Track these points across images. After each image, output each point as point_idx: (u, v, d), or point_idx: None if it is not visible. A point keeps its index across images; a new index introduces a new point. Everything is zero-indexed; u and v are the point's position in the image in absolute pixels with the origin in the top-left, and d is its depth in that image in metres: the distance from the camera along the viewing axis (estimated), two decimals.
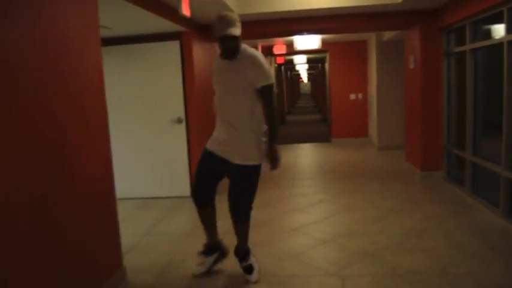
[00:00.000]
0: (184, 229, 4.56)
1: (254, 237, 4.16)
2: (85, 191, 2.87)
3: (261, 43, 9.70)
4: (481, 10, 4.58)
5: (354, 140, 10.33)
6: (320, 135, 12.33)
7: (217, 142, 3.24)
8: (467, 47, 5.09)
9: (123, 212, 4.27)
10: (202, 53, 6.13)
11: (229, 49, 2.99)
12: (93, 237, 2.98)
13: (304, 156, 9.02)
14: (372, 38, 9.26)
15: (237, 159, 3.14)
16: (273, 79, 3.14)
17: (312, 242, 4.01)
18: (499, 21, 4.39)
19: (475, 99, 5.15)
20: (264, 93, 3.08)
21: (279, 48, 10.15)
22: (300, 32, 7.21)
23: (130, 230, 4.53)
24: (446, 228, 4.15)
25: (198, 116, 5.77)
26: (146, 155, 5.80)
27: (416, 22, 6.10)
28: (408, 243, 3.82)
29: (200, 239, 4.17)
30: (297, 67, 19.20)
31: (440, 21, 5.81)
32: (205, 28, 6.17)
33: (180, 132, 5.72)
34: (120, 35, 5.41)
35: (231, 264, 3.47)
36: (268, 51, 10.41)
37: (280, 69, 17.12)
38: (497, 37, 4.60)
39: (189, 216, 5.11)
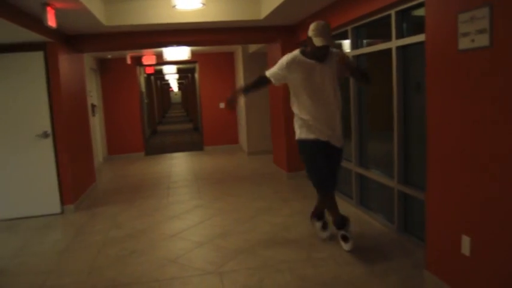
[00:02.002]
0: (57, 247, 4.41)
1: (134, 245, 4.25)
2: None
3: (130, 54, 9.62)
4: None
5: (226, 147, 10.76)
6: (193, 143, 12.55)
7: (326, 131, 3.61)
8: None
9: None
10: (70, 64, 5.97)
11: (325, 54, 3.51)
12: None
13: (178, 165, 9.15)
14: (238, 50, 9.77)
15: (339, 144, 3.69)
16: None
17: (190, 245, 4.20)
18: (346, 38, 5.09)
19: None
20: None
21: (148, 58, 10.16)
22: (168, 44, 7.37)
23: None
24: (309, 221, 4.66)
25: (67, 129, 5.59)
26: (9, 172, 5.42)
27: (278, 37, 6.68)
28: (277, 237, 4.24)
29: (77, 254, 4.13)
30: (167, 77, 19.22)
31: (297, 36, 6.46)
32: (73, 38, 6.02)
33: (46, 147, 5.45)
34: None
35: None
36: (137, 62, 10.35)
37: (150, 79, 16.99)
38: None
39: (61, 233, 4.95)
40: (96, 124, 9.28)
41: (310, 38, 3.45)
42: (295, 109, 3.73)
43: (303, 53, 3.61)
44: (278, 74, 3.64)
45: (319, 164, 3.65)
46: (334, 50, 3.64)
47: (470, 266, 2.62)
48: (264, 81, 3.72)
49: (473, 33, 2.42)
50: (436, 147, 2.92)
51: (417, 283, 3.14)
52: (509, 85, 2.22)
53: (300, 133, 3.71)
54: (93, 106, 8.62)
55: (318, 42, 3.35)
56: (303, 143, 3.70)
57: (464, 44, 2.51)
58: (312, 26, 3.45)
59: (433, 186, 2.98)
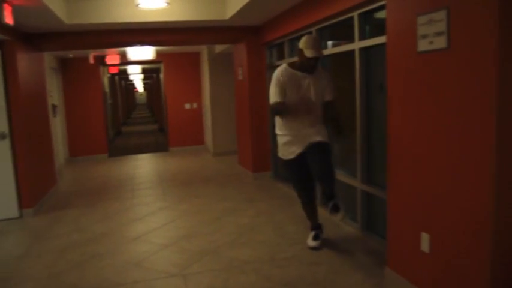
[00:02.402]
0: (15, 252, 4.24)
1: (96, 249, 4.15)
2: None
3: (93, 53, 9.40)
4: (294, 30, 5.29)
5: (191, 148, 10.67)
6: (158, 144, 12.38)
7: (302, 139, 3.68)
8: (286, 60, 5.79)
9: None
10: (29, 63, 5.77)
11: (314, 66, 3.62)
12: None
13: (142, 167, 9.01)
14: (204, 50, 9.71)
15: (319, 138, 3.64)
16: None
17: (154, 248, 4.13)
18: None
19: None
20: (332, 102, 3.75)
21: (112, 58, 9.96)
22: (132, 44, 7.25)
23: None
24: (275, 221, 4.69)
25: (25, 130, 5.40)
26: None
27: (243, 37, 6.68)
28: (242, 238, 4.22)
29: (36, 259, 4.00)
30: (132, 77, 18.91)
31: (263, 37, 6.47)
32: (33, 37, 5.84)
33: (3, 149, 5.24)
34: None
35: None
36: (100, 61, 10.13)
37: (114, 79, 16.66)
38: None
39: (20, 238, 4.78)
40: (58, 125, 9.01)
41: (301, 50, 3.57)
42: (277, 127, 3.87)
43: (291, 66, 3.72)
44: (279, 90, 3.64)
45: (298, 179, 3.92)
46: (322, 69, 3.83)
47: (429, 263, 2.68)
48: (275, 108, 3.68)
49: (431, 35, 2.48)
50: (396, 147, 2.98)
51: (379, 280, 3.20)
52: (465, 86, 2.29)
53: (281, 151, 3.89)
54: (54, 106, 8.37)
55: (309, 53, 3.50)
56: (282, 161, 3.96)
57: (423, 45, 2.57)
58: (303, 39, 3.59)
59: (394, 185, 3.04)
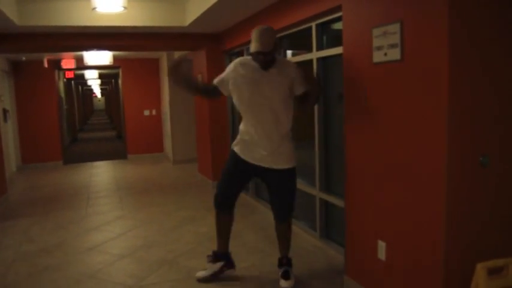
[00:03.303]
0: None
1: (48, 260, 3.99)
2: None
3: (47, 56, 9.10)
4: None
5: (150, 156, 10.49)
6: (115, 152, 12.09)
7: (249, 151, 3.20)
8: None
9: None
10: None
11: (263, 61, 3.04)
12: None
13: (99, 175, 8.77)
14: (163, 56, 9.60)
15: (282, 164, 3.17)
16: None
17: (110, 258, 4.01)
18: None
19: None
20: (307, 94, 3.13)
21: (68, 62, 9.68)
22: (88, 48, 7.08)
23: None
24: (234, 230, 4.61)
25: None
26: None
27: (203, 45, 6.65)
28: (202, 247, 4.16)
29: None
30: (89, 82, 18.46)
31: (223, 45, 6.46)
32: None
33: None
34: None
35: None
36: (55, 65, 9.81)
37: (71, 84, 16.21)
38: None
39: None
40: (9, 131, 8.65)
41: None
42: (241, 125, 3.34)
43: (253, 58, 3.15)
44: (224, 78, 3.25)
45: (224, 179, 3.40)
46: (292, 61, 3.37)
47: (386, 270, 2.74)
48: (211, 88, 3.34)
49: (386, 47, 2.54)
50: (352, 157, 3.03)
51: None
52: (418, 97, 2.36)
53: (235, 144, 3.34)
54: (5, 111, 8.04)
55: (251, 47, 3.01)
56: (231, 152, 3.36)
57: (378, 57, 2.63)
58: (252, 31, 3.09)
59: (351, 194, 3.09)
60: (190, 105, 8.62)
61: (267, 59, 3.04)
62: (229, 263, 3.49)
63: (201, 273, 3.46)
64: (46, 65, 9.34)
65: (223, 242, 3.49)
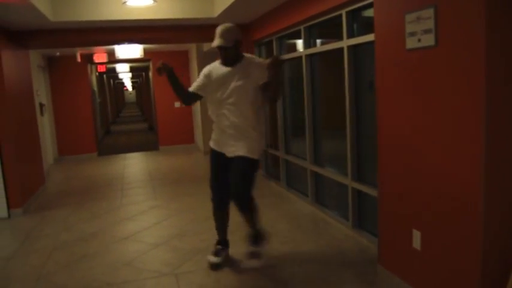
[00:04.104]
0: (4, 253, 4.18)
1: (85, 249, 4.12)
2: None
3: (80, 51, 9.31)
4: (283, 28, 5.28)
5: (182, 147, 10.62)
6: (148, 143, 12.32)
7: (222, 145, 3.43)
8: None
9: None
10: (14, 61, 5.70)
11: (225, 57, 3.25)
12: None
13: (132, 166, 8.96)
14: (193, 48, 9.66)
15: (242, 152, 3.30)
16: None
17: (145, 247, 4.11)
18: (299, 37, 5.13)
19: (284, 106, 5.90)
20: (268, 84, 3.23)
21: (100, 56, 9.88)
22: (119, 42, 7.20)
23: None
24: (267, 219, 4.65)
25: (12, 129, 5.34)
26: None
27: None
28: (235, 236, 4.18)
29: (25, 260, 3.96)
30: (120, 75, 18.79)
31: (252, 35, 6.45)
32: (17, 34, 5.76)
33: None
34: None
35: None
36: (88, 60, 10.03)
37: (102, 78, 16.54)
38: (299, 50, 5.34)
39: (8, 238, 4.74)
40: (46, 124, 8.92)
41: None
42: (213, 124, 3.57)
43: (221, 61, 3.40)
44: (199, 83, 3.44)
45: (212, 175, 3.61)
46: (259, 58, 3.48)
47: (421, 260, 2.70)
48: (190, 93, 3.48)
49: (419, 32, 2.49)
50: (386, 145, 2.99)
51: (371, 278, 3.21)
52: (453, 84, 2.30)
53: (211, 141, 3.62)
54: (41, 105, 8.29)
55: (213, 43, 3.22)
56: (210, 150, 3.63)
57: (411, 43, 2.58)
58: None
59: (384, 183, 3.05)
60: None
61: (228, 55, 3.24)
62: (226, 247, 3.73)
63: (216, 259, 3.59)
64: (79, 59, 9.55)
65: (223, 232, 3.74)
